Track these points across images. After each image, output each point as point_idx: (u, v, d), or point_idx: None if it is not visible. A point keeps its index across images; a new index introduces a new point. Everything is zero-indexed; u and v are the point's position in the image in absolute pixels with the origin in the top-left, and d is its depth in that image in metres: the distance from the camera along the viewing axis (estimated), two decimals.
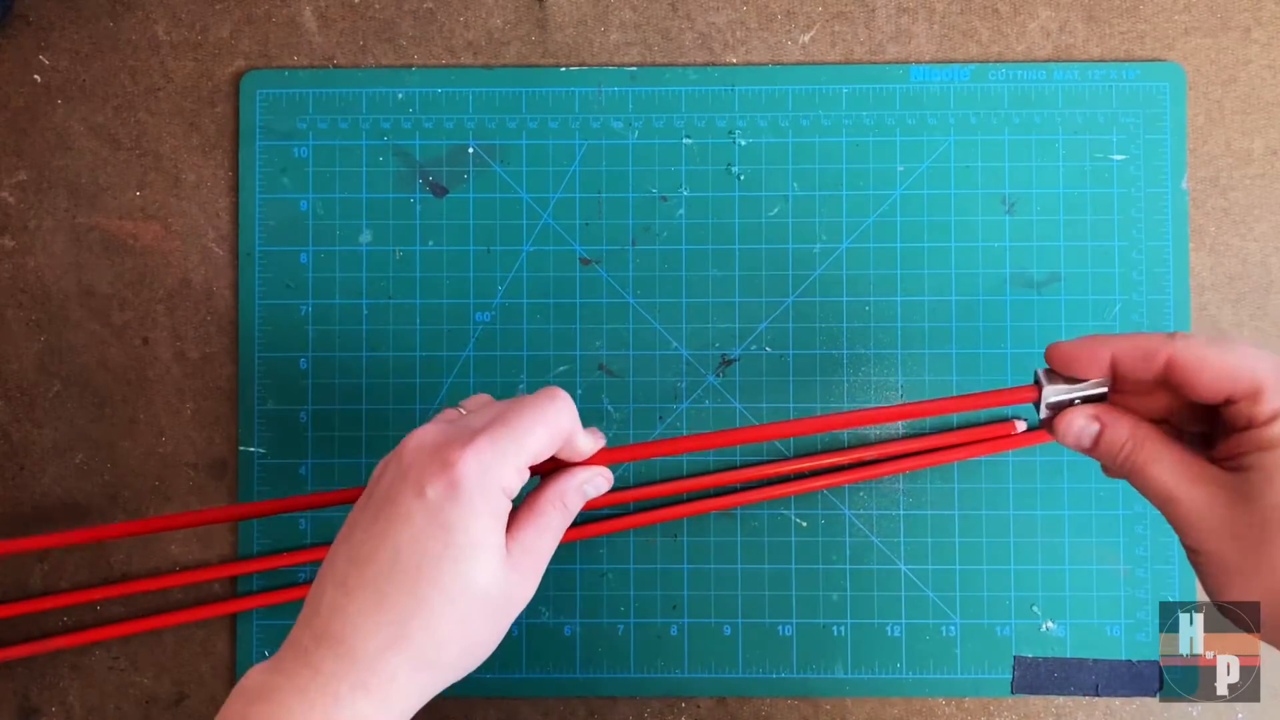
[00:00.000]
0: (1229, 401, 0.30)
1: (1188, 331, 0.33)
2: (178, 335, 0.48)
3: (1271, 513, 0.28)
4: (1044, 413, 0.33)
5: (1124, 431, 0.32)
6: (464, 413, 0.34)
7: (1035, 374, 0.33)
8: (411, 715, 0.30)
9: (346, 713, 0.28)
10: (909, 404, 0.35)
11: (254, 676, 0.29)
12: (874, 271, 0.47)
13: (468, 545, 0.30)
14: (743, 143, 0.48)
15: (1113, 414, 0.32)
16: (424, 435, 0.32)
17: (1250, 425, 0.29)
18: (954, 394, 0.46)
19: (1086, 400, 0.33)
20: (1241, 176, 0.47)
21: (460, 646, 0.30)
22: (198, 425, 0.47)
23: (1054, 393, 0.33)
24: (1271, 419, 0.29)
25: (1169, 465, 0.31)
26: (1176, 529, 0.31)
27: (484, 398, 0.36)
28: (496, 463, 0.30)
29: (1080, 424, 0.33)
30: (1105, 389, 0.32)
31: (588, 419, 0.36)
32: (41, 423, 0.47)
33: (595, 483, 0.35)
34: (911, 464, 0.46)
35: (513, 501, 0.32)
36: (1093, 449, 0.33)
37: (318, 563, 0.46)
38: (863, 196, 0.47)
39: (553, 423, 0.32)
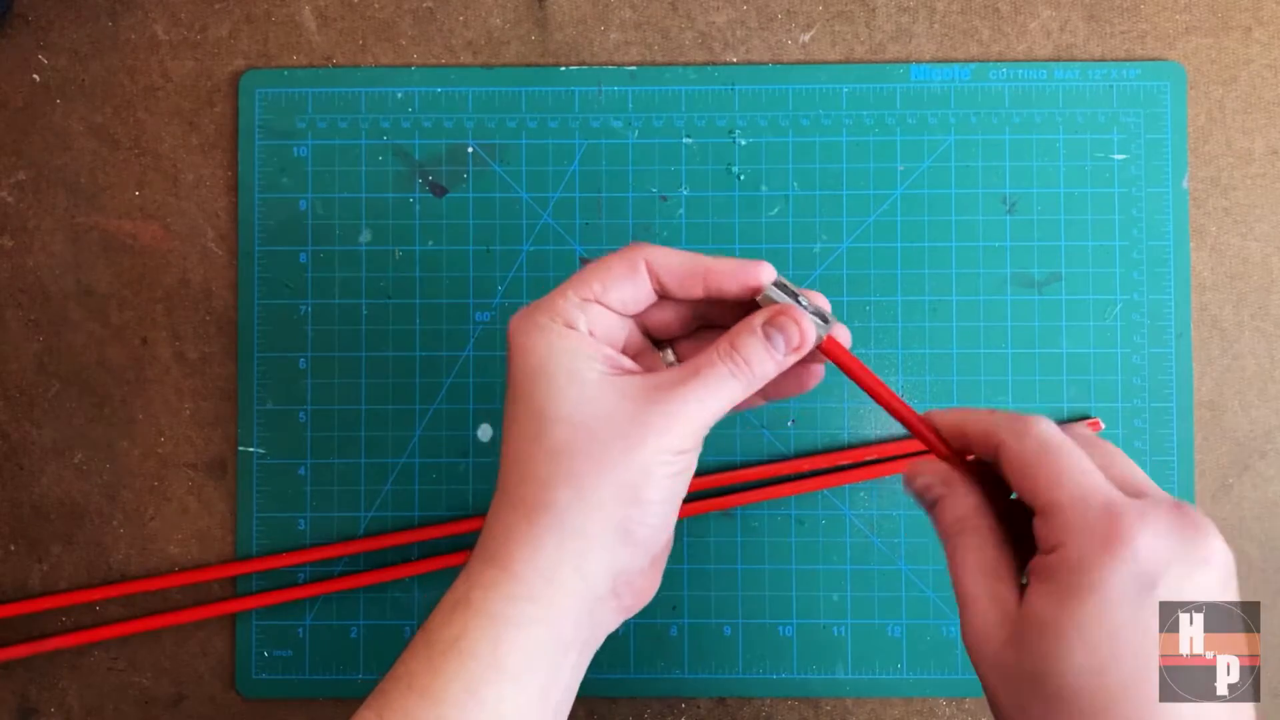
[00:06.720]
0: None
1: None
2: (177, 335, 0.47)
3: (1028, 617, 0.27)
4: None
5: (960, 510, 0.30)
6: None
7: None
8: (577, 588, 0.29)
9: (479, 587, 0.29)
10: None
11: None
12: (874, 271, 0.47)
13: (521, 375, 0.30)
14: (743, 142, 0.47)
15: (960, 489, 0.31)
16: None
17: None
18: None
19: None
20: (1242, 176, 0.47)
21: (566, 484, 0.28)
22: (197, 425, 0.47)
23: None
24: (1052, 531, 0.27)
25: (975, 565, 0.29)
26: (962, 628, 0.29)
27: None
28: (543, 300, 0.30)
29: (927, 482, 0.31)
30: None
31: None
32: (40, 422, 0.47)
33: (782, 326, 0.29)
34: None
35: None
36: (928, 507, 0.32)
37: (317, 563, 0.47)
38: (863, 196, 0.47)
39: (611, 257, 0.31)
